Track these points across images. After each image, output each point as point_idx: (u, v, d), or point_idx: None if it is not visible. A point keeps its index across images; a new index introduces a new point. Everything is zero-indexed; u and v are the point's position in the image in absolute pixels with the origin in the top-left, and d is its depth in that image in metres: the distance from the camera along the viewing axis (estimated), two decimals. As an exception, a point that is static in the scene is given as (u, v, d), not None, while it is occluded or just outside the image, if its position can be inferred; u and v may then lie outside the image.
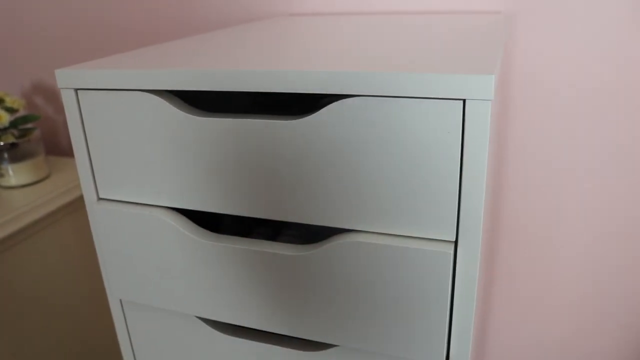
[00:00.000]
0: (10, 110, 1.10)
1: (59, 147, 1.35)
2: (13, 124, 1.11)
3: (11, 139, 1.09)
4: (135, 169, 0.58)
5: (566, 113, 0.91)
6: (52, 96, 1.26)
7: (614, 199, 0.94)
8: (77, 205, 1.13)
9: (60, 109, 1.27)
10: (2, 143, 1.08)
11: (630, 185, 0.93)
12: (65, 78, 0.55)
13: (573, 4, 0.85)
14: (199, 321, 0.64)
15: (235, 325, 0.64)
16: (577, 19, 0.86)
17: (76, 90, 0.56)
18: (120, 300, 0.67)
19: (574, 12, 0.86)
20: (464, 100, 0.43)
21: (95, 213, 0.61)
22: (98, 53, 1.16)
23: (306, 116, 0.48)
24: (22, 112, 1.17)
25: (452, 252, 0.47)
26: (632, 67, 0.86)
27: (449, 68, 0.44)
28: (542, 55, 0.89)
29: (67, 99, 0.57)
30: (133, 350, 0.70)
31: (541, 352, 1.11)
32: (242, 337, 0.62)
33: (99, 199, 0.61)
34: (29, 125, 1.15)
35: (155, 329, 0.67)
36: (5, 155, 1.09)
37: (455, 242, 0.48)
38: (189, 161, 0.54)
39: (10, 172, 1.10)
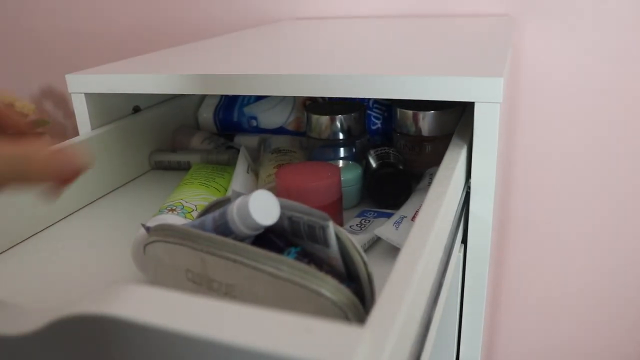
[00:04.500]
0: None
1: (68, 152, 1.35)
2: (23, 129, 1.12)
3: (21, 144, 1.10)
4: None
5: (574, 114, 0.91)
6: (62, 101, 1.27)
7: (623, 200, 0.94)
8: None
9: (69, 113, 1.27)
10: (12, 148, 1.09)
11: (639, 186, 0.92)
12: (76, 83, 0.56)
13: (579, 6, 0.85)
14: None
15: None
16: (583, 21, 0.85)
17: (86, 94, 0.57)
18: None
19: (580, 14, 0.85)
20: (473, 103, 0.43)
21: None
22: (107, 58, 1.17)
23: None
24: (32, 117, 1.18)
25: (461, 254, 0.47)
26: (638, 69, 0.86)
27: (458, 71, 0.44)
28: (549, 57, 0.89)
29: (77, 104, 0.57)
30: None
31: (550, 352, 1.10)
32: None
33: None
34: (39, 130, 1.16)
35: None
36: (16, 159, 1.10)
37: (465, 244, 0.48)
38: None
39: (20, 177, 1.11)
